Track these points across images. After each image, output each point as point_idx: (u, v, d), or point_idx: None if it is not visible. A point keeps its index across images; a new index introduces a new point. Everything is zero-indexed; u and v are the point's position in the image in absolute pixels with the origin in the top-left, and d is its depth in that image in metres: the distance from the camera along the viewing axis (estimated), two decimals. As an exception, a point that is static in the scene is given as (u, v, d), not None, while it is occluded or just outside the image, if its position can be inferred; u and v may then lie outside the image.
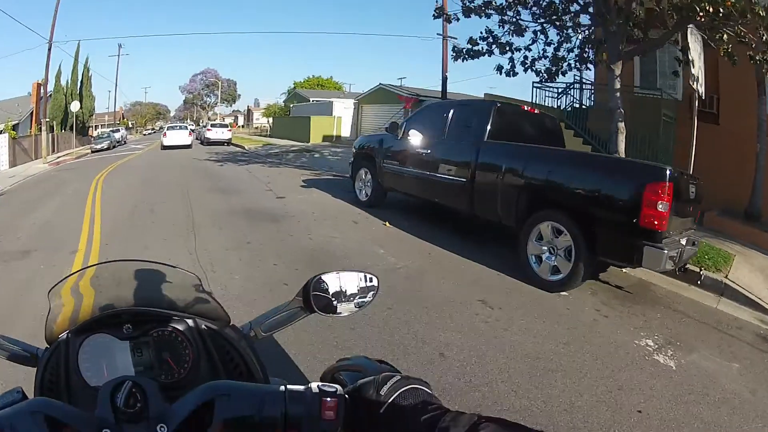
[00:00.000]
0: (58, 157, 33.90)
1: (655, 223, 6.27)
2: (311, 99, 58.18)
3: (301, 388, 1.14)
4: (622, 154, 11.29)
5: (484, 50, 14.67)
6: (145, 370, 1.39)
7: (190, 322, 1.46)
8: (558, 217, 7.25)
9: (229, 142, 42.83)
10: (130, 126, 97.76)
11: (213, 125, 45.33)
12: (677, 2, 10.07)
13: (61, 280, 1.52)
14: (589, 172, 7.37)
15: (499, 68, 15.21)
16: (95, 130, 62.35)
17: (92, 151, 40.43)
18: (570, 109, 17.86)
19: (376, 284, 1.61)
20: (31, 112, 43.07)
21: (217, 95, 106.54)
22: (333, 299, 1.54)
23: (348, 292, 1.56)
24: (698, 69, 10.05)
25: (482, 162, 8.78)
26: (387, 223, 10.66)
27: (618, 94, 11.54)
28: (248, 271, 7.41)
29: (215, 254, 8.21)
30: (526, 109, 11.58)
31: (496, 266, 8.02)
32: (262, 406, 1.09)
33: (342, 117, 44.78)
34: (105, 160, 30.43)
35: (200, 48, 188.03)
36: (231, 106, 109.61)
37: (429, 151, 10.11)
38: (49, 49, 33.12)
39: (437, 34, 26.19)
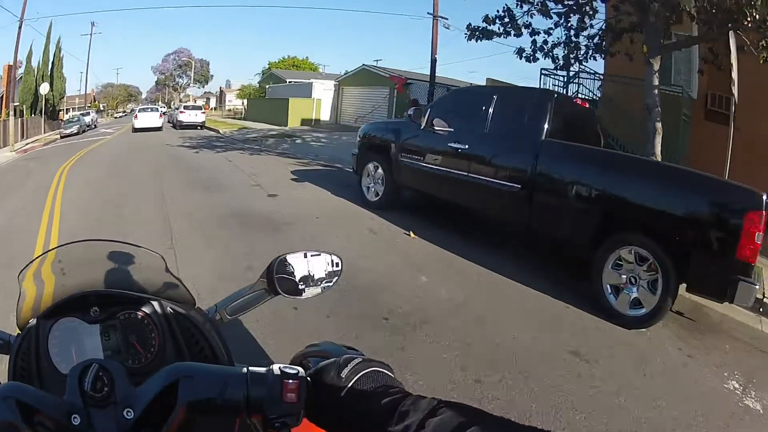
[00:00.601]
0: (27, 144, 32.07)
1: (750, 255, 5.47)
2: (288, 80, 56.31)
3: (263, 370, 1.09)
4: (659, 157, 10.39)
5: (501, 31, 13.81)
6: (112, 354, 1.39)
7: (155, 304, 1.45)
8: (643, 242, 6.11)
9: (202, 126, 41.01)
10: (102, 109, 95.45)
11: (186, 108, 43.31)
12: (729, 6, 9.49)
13: (30, 262, 1.50)
14: (683, 190, 6.23)
15: (520, 52, 14.44)
16: (66, 113, 59.64)
17: (61, 137, 38.54)
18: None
19: (340, 268, 1.60)
20: (1, 97, 40.45)
21: (190, 76, 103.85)
22: (300, 283, 1.53)
23: (315, 276, 1.55)
24: (735, 72, 10.05)
25: (543, 166, 7.43)
26: (412, 234, 9.15)
27: (656, 91, 10.65)
28: (264, 327, 5.17)
29: (208, 288, 5.96)
30: (578, 102, 10.50)
31: (560, 295, 6.78)
32: (225, 387, 1.05)
33: (322, 99, 43.06)
34: (74, 146, 28.67)
35: (173, 26, 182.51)
36: (203, 87, 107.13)
37: (466, 146, 8.64)
38: (20, 27, 31.82)
39: (428, 13, 25.66)
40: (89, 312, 1.40)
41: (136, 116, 41.73)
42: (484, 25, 13.78)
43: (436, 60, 25.64)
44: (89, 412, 1.00)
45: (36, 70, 47.11)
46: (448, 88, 31.30)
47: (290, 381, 1.07)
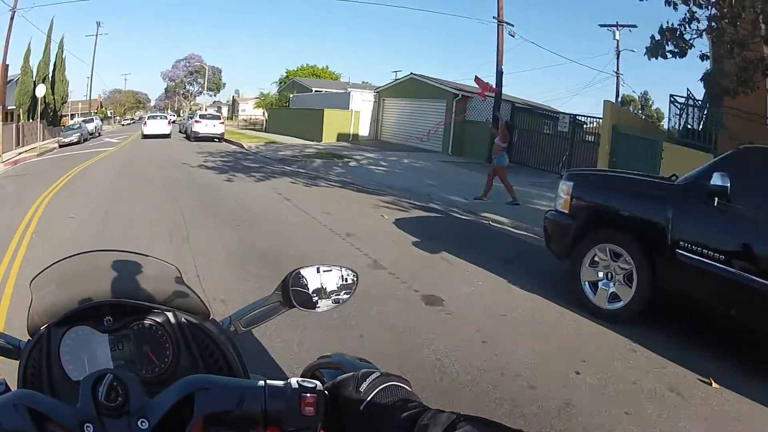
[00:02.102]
0: (20, 153, 28.12)
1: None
2: (314, 89, 50.58)
3: (280, 383, 1.12)
4: None
5: (692, 38, 12.91)
6: (125, 363, 1.39)
7: (170, 315, 1.45)
8: None
9: (221, 138, 35.62)
10: (109, 115, 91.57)
11: (203, 116, 37.28)
12: None
13: (43, 270, 1.48)
14: None
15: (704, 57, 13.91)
16: (71, 119, 55.40)
17: (60, 146, 34.41)
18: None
19: (355, 282, 1.59)
20: None
21: (201, 83, 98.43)
22: (313, 295, 1.54)
23: (328, 289, 1.55)
24: None
25: None
26: (712, 381, 4.82)
27: None
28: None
29: None
30: None
31: None
32: (242, 401, 1.06)
33: (361, 112, 36.94)
34: (69, 159, 23.78)
35: (182, 31, 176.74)
36: (216, 95, 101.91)
37: None
38: (12, 19, 27.64)
39: (493, 17, 23.52)
40: (102, 321, 1.40)
41: (145, 123, 41.34)
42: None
43: (502, 72, 23.40)
44: (103, 421, 1.01)
45: (35, 71, 42.83)
46: (514, 105, 26.76)
47: (308, 395, 1.07)
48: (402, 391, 1.06)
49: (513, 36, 24.87)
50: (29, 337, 1.40)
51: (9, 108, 36.39)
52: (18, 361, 1.36)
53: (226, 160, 22.62)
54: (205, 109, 58.57)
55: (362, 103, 36.77)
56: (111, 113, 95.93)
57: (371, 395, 1.04)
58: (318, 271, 1.53)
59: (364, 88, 45.12)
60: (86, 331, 1.38)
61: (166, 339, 1.42)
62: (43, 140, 38.52)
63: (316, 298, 1.52)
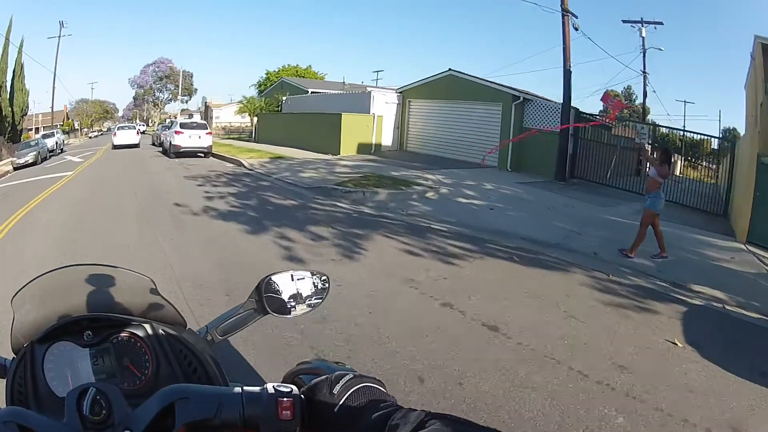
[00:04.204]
0: None
1: None
2: (309, 90, 43.54)
3: (257, 389, 1.14)
4: None
5: None
6: (107, 377, 1.42)
7: (147, 327, 1.48)
8: None
9: (208, 153, 28.23)
10: (76, 128, 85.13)
11: (184, 126, 29.11)
12: None
13: (23, 287, 1.52)
14: None
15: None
16: (36, 133, 51.18)
17: (14, 167, 29.22)
18: None
19: (326, 286, 1.67)
20: None
21: (171, 89, 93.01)
22: (289, 300, 1.60)
23: (303, 295, 1.62)
24: None
25: None
26: None
27: None
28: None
29: None
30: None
31: None
32: (221, 408, 1.09)
33: (384, 116, 29.73)
34: (13, 194, 18.00)
35: (150, 34, 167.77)
36: (188, 102, 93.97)
37: None
38: None
39: (561, 8, 20.84)
40: (83, 336, 1.42)
41: (115, 134, 41.55)
42: None
43: (570, 72, 21.03)
44: None
45: None
46: (578, 112, 22.08)
47: (285, 399, 1.10)
48: (375, 392, 1.08)
49: (577, 29, 21.43)
50: (14, 355, 1.43)
51: None
52: (4, 379, 1.39)
53: (237, 191, 15.66)
54: (187, 117, 53.91)
55: (385, 107, 29.71)
56: (78, 125, 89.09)
57: (344, 397, 1.06)
58: (292, 279, 1.62)
59: (382, 88, 38.62)
60: (68, 346, 1.40)
61: (145, 351, 1.45)
62: (0, 160, 33.57)
63: (292, 303, 1.59)
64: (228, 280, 7.22)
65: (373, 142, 28.90)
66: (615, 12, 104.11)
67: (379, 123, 29.14)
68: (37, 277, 1.52)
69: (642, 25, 36.59)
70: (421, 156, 26.63)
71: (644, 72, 37.64)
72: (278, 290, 1.59)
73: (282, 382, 1.25)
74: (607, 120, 22.16)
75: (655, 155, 13.25)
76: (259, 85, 65.30)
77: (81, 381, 1.32)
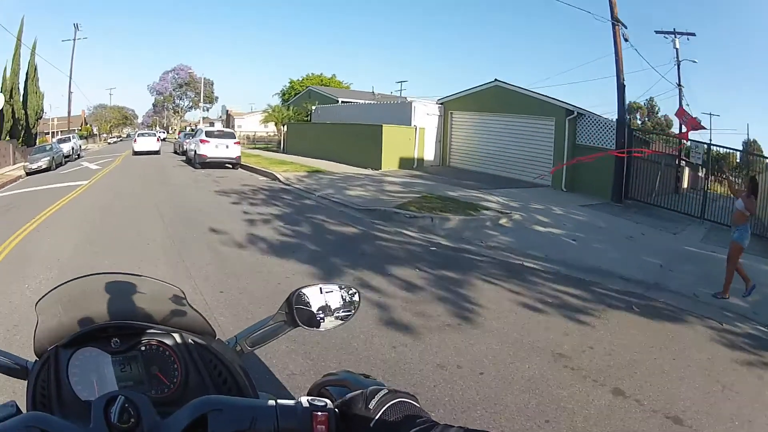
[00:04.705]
0: None
1: None
2: (340, 99, 41.29)
3: (291, 402, 1.13)
4: None
5: None
6: (134, 384, 1.40)
7: (177, 336, 1.47)
8: None
9: (236, 164, 26.02)
10: (95, 133, 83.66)
11: (210, 134, 26.71)
12: None
13: (49, 292, 1.51)
14: None
15: None
16: (53, 137, 50.50)
17: (27, 173, 27.61)
18: None
19: (357, 299, 1.63)
20: None
21: (191, 97, 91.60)
22: (318, 313, 1.55)
23: (332, 307, 1.57)
24: None
25: None
26: None
27: None
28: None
29: None
30: None
31: None
32: (255, 421, 1.08)
33: (426, 128, 27.32)
34: (18, 205, 15.88)
35: (169, 40, 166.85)
36: (208, 110, 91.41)
37: None
38: None
39: (612, 18, 19.29)
40: (110, 343, 1.41)
41: (135, 140, 41.38)
42: None
43: (624, 86, 19.49)
44: None
45: (0, 80, 35.12)
46: (631, 130, 21.17)
47: (320, 413, 1.09)
48: (411, 408, 1.06)
49: (627, 40, 19.81)
50: (36, 358, 1.42)
51: None
52: (25, 381, 1.38)
53: (281, 212, 13.25)
54: (208, 125, 52.13)
55: (426, 118, 27.34)
56: (96, 130, 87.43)
57: (380, 412, 1.04)
58: (321, 291, 1.56)
59: (422, 98, 34.84)
60: (94, 352, 1.39)
61: (174, 360, 1.43)
62: (13, 164, 32.45)
63: (321, 316, 1.54)
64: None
65: (415, 156, 26.57)
66: (648, 23, 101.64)
67: (421, 136, 26.83)
68: (63, 283, 1.51)
69: (675, 36, 34.32)
70: (467, 173, 24.40)
71: (679, 85, 35.21)
72: (308, 302, 1.53)
73: (308, 394, 1.29)
74: (682, 136, 20.42)
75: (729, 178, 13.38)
76: (283, 94, 63.34)
77: (107, 387, 1.34)
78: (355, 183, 18.81)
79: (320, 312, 1.54)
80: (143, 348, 1.42)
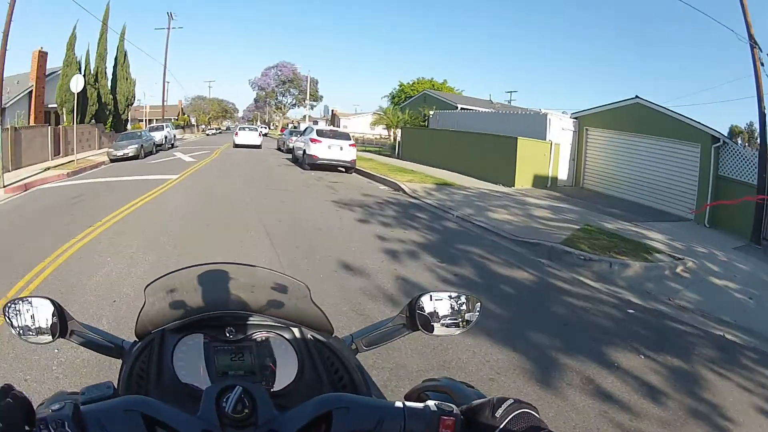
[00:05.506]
0: (47, 169, 21.44)
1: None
2: (459, 105, 38.37)
3: (419, 405, 1.12)
4: None
5: None
6: (244, 374, 1.41)
7: (296, 330, 1.49)
8: None
9: (351, 168, 23.68)
10: (192, 123, 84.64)
11: (321, 134, 24.20)
12: None
13: (160, 277, 1.53)
14: None
15: None
16: (146, 125, 50.16)
17: (111, 159, 26.43)
18: None
19: (467, 308, 1.54)
20: (30, 93, 30.05)
21: (294, 94, 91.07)
22: (437, 319, 1.52)
23: (439, 314, 1.52)
24: None
25: None
26: None
27: None
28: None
29: None
30: None
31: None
32: (381, 422, 1.07)
33: (561, 144, 24.31)
34: (87, 199, 13.99)
35: (271, 36, 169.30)
36: (312, 108, 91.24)
37: None
38: None
39: (749, 39, 16.59)
40: (224, 331, 1.43)
41: (236, 134, 42.14)
42: None
43: (765, 114, 16.35)
44: None
45: (84, 63, 33.93)
46: None
47: (447, 417, 1.08)
48: (532, 418, 1.05)
49: (763, 65, 17.00)
50: (135, 339, 1.45)
51: (50, 107, 31.78)
52: (117, 359, 1.43)
53: (425, 240, 10.50)
54: (312, 124, 50.53)
55: (561, 133, 24.29)
56: (194, 121, 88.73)
57: (506, 421, 1.04)
58: (431, 299, 1.51)
59: (556, 110, 32.44)
60: (204, 339, 1.40)
61: (290, 353, 1.44)
62: (98, 149, 32.23)
63: (440, 323, 1.49)
64: None
65: (549, 174, 23.57)
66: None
67: (556, 152, 23.82)
68: (179, 269, 1.52)
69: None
70: (605, 198, 21.50)
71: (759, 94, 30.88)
72: (422, 307, 1.49)
73: (405, 398, 1.29)
74: None
75: None
76: (392, 97, 62.49)
77: (214, 375, 1.36)
78: (495, 203, 16.08)
79: (430, 317, 1.48)
80: (259, 339, 1.43)
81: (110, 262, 7.73)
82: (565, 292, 7.90)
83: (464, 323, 1.52)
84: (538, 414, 1.08)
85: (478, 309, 1.53)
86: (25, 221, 11.21)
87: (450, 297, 1.53)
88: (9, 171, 18.98)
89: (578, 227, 12.75)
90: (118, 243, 8.84)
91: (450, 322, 1.50)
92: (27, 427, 0.91)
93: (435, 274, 8.08)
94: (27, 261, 7.63)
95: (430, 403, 1.11)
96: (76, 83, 23.38)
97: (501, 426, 1.03)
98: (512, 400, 1.09)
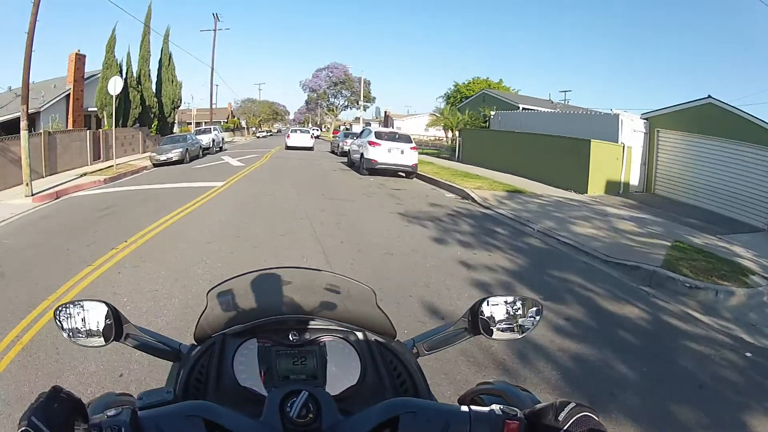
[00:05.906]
0: (83, 175, 21.12)
1: None
2: (521, 106, 37.09)
3: (485, 409, 1.13)
4: None
5: None
6: (307, 378, 1.43)
7: (359, 334, 1.51)
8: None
9: (413, 172, 22.76)
10: (243, 126, 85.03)
11: (380, 136, 23.19)
12: None
13: (222, 282, 1.58)
14: None
15: None
16: (195, 127, 50.50)
17: (153, 164, 26.07)
18: None
19: (522, 312, 1.54)
20: (68, 96, 29.89)
21: (346, 96, 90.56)
22: (498, 324, 1.51)
23: (496, 319, 1.51)
24: None
25: None
26: None
27: None
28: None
29: None
30: None
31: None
32: (448, 426, 1.07)
33: (632, 147, 22.87)
34: (120, 210, 13.39)
35: (320, 38, 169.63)
36: (366, 110, 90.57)
37: None
38: None
39: None
40: (287, 335, 1.46)
41: (288, 136, 44.10)
42: None
43: None
44: None
45: (125, 65, 33.93)
46: None
47: (511, 421, 1.09)
48: (593, 422, 1.07)
49: None
50: (194, 342, 1.47)
51: (90, 110, 32.07)
52: (172, 363, 1.47)
53: (513, 265, 9.39)
54: (365, 125, 51.08)
55: (632, 135, 22.86)
56: (245, 124, 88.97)
57: (568, 424, 1.04)
58: (488, 304, 1.50)
59: (627, 111, 30.83)
60: (266, 343, 1.43)
61: (354, 357, 1.46)
62: (142, 153, 32.60)
63: (501, 327, 1.49)
64: None
65: (622, 179, 22.24)
66: None
67: (629, 156, 22.43)
68: (240, 275, 1.57)
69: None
70: (679, 205, 20.05)
71: None
72: (482, 312, 1.49)
73: (459, 402, 1.33)
74: None
75: None
76: (448, 98, 61.64)
77: (275, 379, 1.38)
78: (574, 213, 14.90)
79: (488, 321, 1.47)
80: (323, 343, 1.45)
81: (126, 304, 6.48)
82: (682, 335, 6.77)
83: (519, 329, 1.50)
84: (597, 417, 1.07)
85: (533, 314, 1.51)
86: (41, 240, 10.30)
87: (506, 302, 1.51)
88: (43, 177, 18.81)
89: (669, 244, 11.51)
90: (141, 275, 7.72)
91: (505, 326, 1.49)
92: None
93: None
94: (26, 300, 6.56)
95: (495, 406, 1.11)
96: (114, 85, 23.15)
97: (564, 428, 1.03)
98: (574, 404, 1.09)
